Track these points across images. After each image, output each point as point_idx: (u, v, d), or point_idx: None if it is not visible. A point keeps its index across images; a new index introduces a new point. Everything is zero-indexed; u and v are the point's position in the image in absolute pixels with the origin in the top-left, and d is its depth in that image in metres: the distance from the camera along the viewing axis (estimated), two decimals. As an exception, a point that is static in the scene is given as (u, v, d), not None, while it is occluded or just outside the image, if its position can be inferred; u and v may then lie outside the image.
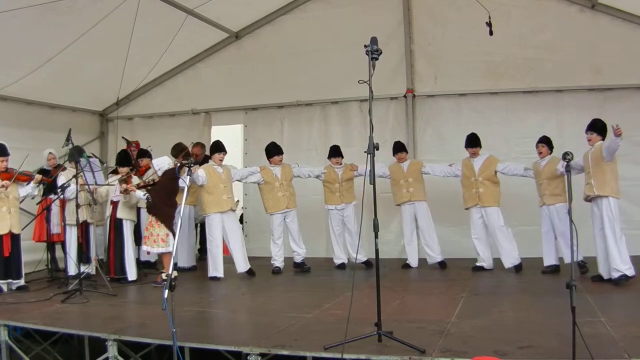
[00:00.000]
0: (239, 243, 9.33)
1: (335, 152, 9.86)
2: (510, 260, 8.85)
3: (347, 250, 9.81)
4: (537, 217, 9.09)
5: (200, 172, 8.97)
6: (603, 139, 7.71)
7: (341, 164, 9.83)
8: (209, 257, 9.15)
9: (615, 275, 7.39)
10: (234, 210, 9.44)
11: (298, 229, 9.76)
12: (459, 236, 10.01)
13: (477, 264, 9.12)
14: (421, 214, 9.54)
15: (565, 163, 5.10)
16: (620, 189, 7.78)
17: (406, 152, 9.79)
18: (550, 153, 8.60)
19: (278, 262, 9.77)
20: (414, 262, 9.65)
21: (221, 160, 9.31)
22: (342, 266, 9.77)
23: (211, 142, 9.93)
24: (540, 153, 8.70)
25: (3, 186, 7.93)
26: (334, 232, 9.82)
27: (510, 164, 9.05)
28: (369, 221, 5.34)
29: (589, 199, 7.78)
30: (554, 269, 8.56)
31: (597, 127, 7.79)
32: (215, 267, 9.05)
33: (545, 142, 8.66)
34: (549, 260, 8.65)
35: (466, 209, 9.17)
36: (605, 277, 7.55)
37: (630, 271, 7.41)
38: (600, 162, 7.58)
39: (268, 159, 9.80)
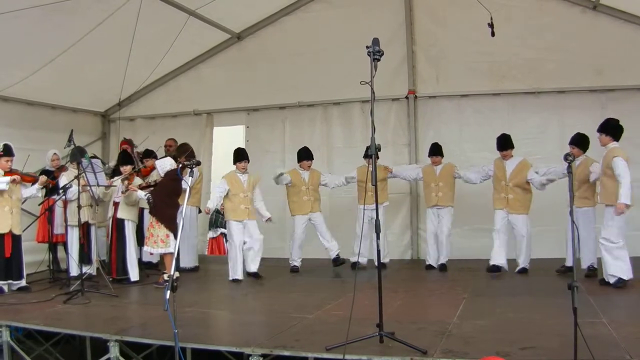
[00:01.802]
0: (256, 247, 9.14)
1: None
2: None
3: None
4: (541, 218, 9.15)
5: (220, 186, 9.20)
6: (613, 139, 7.69)
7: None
8: (229, 261, 9.11)
9: (612, 280, 7.34)
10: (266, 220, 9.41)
11: (326, 227, 9.78)
12: (461, 237, 10.01)
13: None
14: (442, 219, 9.39)
15: (567, 164, 5.08)
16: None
17: (441, 155, 9.55)
18: (584, 153, 8.45)
19: (296, 262, 9.90)
20: (434, 262, 9.52)
21: (244, 169, 9.19)
22: (360, 266, 9.62)
23: (234, 150, 9.58)
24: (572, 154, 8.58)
25: (14, 180, 7.94)
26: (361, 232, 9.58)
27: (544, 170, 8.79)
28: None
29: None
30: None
31: (609, 127, 7.72)
32: (235, 271, 8.98)
33: (577, 143, 8.46)
34: (570, 262, 8.38)
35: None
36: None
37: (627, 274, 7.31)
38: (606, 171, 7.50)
39: (298, 163, 9.84)
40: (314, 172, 9.84)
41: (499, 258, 8.87)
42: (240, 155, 9.25)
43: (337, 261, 9.72)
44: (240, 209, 9.01)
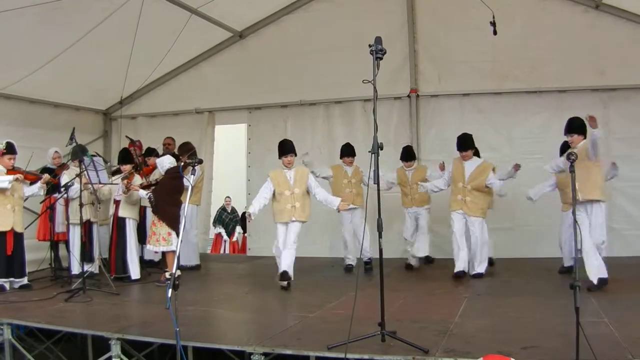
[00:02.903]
0: (290, 249, 8.11)
1: (408, 156, 9.58)
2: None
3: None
4: (541, 218, 9.15)
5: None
6: (585, 138, 7.41)
7: (412, 166, 9.54)
8: (276, 259, 8.32)
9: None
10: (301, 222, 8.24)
11: (361, 228, 9.18)
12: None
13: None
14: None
15: (570, 163, 5.07)
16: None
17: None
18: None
19: (350, 259, 9.70)
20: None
21: (290, 164, 8.24)
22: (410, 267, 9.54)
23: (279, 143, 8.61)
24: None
25: (17, 179, 7.95)
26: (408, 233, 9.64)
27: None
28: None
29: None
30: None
31: (576, 127, 7.49)
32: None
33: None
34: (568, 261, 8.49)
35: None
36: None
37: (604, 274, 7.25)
38: (586, 162, 7.15)
39: (341, 158, 9.70)
40: (357, 169, 9.61)
41: (461, 264, 8.56)
42: (285, 149, 8.29)
43: (365, 264, 9.51)
44: (287, 209, 8.11)
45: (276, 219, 8.20)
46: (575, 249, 5.98)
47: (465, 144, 8.63)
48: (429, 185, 8.92)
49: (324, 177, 9.48)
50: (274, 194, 8.20)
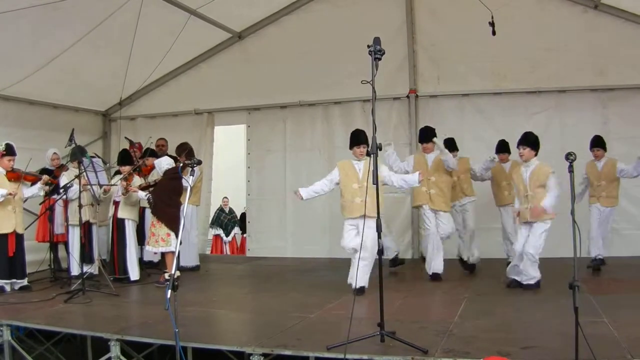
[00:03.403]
0: (368, 259, 7.40)
1: (452, 146, 9.26)
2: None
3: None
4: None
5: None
6: (536, 154, 7.50)
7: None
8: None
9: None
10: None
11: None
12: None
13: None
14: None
15: (569, 164, 5.05)
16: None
17: (509, 152, 9.15)
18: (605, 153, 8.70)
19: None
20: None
21: (362, 155, 7.60)
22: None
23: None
24: (596, 156, 8.76)
25: (10, 194, 7.94)
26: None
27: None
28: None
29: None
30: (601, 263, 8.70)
31: (530, 141, 7.52)
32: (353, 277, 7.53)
33: (600, 145, 8.70)
34: (597, 252, 8.75)
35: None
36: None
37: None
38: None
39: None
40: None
41: (438, 265, 8.47)
42: (358, 138, 7.69)
43: (396, 262, 9.38)
44: (356, 204, 7.40)
45: (345, 214, 7.62)
46: (574, 249, 5.98)
47: (427, 135, 8.63)
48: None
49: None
50: (340, 188, 7.65)
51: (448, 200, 8.59)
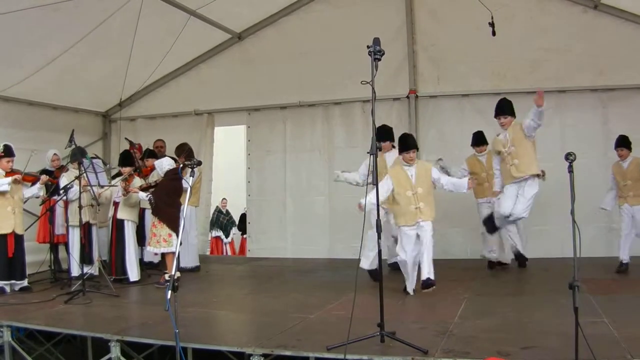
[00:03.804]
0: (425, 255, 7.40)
1: (478, 140, 9.13)
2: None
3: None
4: (539, 217, 9.17)
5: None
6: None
7: (485, 150, 9.05)
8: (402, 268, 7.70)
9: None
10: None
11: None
12: (462, 237, 10.01)
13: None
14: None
15: (569, 164, 5.05)
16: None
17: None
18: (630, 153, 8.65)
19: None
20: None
21: (412, 160, 7.45)
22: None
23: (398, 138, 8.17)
24: (621, 156, 8.69)
25: (16, 180, 7.95)
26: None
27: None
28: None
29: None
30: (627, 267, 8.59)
31: (507, 108, 8.01)
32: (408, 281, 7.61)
33: (625, 144, 8.64)
34: (626, 258, 8.59)
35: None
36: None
37: None
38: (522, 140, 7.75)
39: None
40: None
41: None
42: (406, 143, 7.50)
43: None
44: (410, 211, 7.33)
45: (398, 222, 7.48)
46: (574, 249, 5.98)
47: (387, 135, 8.67)
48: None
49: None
50: (392, 194, 7.42)
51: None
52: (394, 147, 8.55)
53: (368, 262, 8.34)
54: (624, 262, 8.52)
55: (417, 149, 7.65)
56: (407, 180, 7.40)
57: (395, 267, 8.69)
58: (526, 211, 7.81)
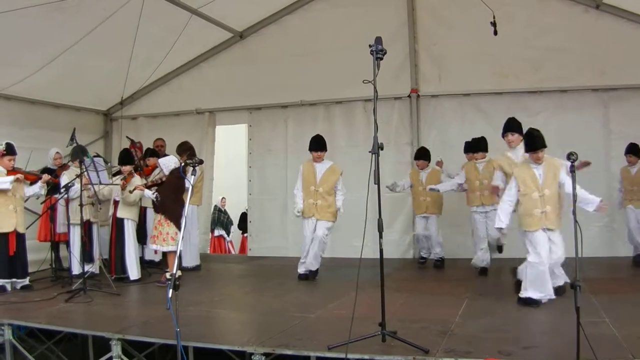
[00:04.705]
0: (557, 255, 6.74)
1: (477, 147, 9.04)
2: None
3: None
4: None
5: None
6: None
7: (485, 157, 8.88)
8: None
9: None
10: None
11: (435, 233, 9.65)
12: (463, 236, 9.99)
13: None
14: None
15: (570, 163, 5.04)
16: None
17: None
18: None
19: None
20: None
21: (539, 160, 6.68)
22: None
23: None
24: (630, 162, 9.10)
25: (18, 179, 7.95)
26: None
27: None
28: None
29: None
30: None
31: (515, 126, 7.47)
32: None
33: (634, 151, 9.00)
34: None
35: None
36: None
37: None
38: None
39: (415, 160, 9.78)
40: (434, 172, 9.60)
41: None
42: (533, 142, 6.69)
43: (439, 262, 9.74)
44: (536, 216, 6.63)
45: (525, 226, 6.72)
46: (576, 249, 5.97)
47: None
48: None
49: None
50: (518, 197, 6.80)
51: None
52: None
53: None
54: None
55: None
56: (535, 181, 6.67)
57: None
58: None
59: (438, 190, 9.10)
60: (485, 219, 8.83)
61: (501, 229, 6.85)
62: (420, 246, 10.01)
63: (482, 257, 8.91)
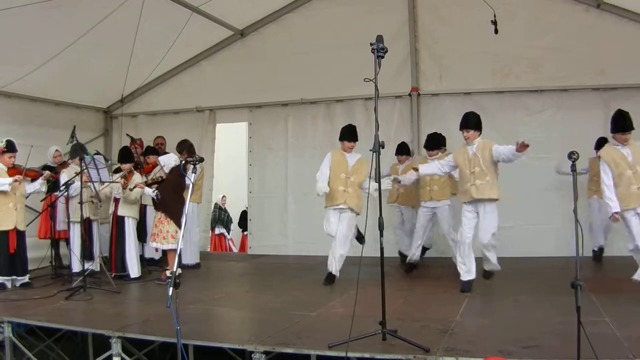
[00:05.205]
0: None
1: (429, 144, 9.14)
2: None
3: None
4: (540, 216, 9.20)
5: None
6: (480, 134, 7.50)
7: (436, 155, 8.91)
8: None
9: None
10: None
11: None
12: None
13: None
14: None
15: (572, 162, 5.04)
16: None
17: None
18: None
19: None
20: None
21: (626, 141, 6.95)
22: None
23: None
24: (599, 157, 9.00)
25: (16, 180, 7.94)
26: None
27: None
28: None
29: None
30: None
31: (472, 122, 7.53)
32: None
33: (603, 146, 8.72)
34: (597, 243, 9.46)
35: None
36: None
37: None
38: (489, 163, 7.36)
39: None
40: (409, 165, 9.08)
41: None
42: (624, 125, 7.01)
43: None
44: (634, 192, 6.81)
45: (625, 204, 6.82)
46: (577, 248, 5.96)
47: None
48: None
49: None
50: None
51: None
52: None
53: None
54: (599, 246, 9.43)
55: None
56: (625, 162, 6.87)
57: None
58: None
59: (399, 181, 8.58)
60: (432, 215, 8.86)
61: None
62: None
63: (416, 252, 8.99)
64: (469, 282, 7.52)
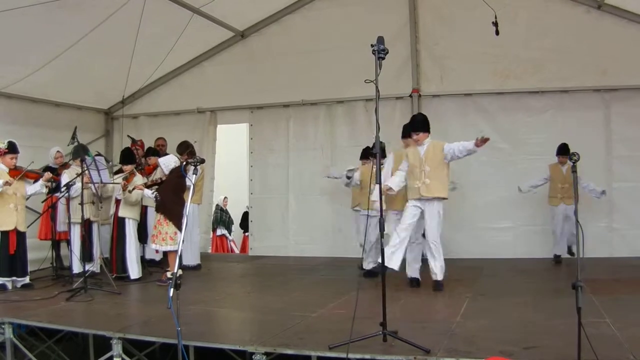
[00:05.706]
0: None
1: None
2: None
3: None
4: (540, 217, 9.20)
5: None
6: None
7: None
8: None
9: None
10: None
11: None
12: (463, 236, 10.00)
13: None
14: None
15: (572, 164, 5.04)
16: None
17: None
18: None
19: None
20: None
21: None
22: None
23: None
24: (561, 162, 9.31)
25: (8, 183, 7.93)
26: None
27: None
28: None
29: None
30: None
31: (420, 125, 7.77)
32: None
33: (565, 152, 9.03)
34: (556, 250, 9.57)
35: None
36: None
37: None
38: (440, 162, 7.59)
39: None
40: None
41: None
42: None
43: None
44: None
45: None
46: (577, 249, 5.97)
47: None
48: None
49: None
50: None
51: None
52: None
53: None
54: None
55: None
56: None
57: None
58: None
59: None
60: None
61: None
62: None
63: (376, 259, 8.62)
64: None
